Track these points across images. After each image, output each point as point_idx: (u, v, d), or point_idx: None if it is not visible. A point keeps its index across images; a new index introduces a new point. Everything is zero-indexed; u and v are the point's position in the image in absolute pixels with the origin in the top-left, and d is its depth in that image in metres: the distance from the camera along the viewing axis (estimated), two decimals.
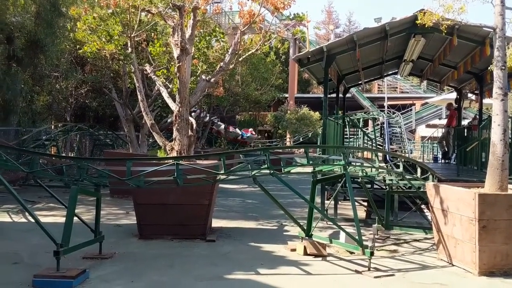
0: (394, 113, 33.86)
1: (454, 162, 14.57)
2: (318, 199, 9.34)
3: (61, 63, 16.08)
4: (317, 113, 26.43)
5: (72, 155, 18.47)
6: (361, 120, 23.15)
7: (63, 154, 16.81)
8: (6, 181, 6.23)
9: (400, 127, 24.00)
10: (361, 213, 10.20)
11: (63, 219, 6.17)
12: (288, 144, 26.53)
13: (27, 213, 7.95)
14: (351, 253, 7.13)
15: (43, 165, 13.37)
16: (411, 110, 34.65)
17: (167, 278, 5.93)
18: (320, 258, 7.00)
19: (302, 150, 10.89)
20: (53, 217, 9.52)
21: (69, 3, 14.46)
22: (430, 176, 8.84)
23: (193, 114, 9.64)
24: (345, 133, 15.37)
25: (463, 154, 12.82)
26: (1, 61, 13.36)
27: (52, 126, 19.84)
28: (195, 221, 8.02)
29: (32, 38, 14.14)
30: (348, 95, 18.78)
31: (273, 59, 24.55)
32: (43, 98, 18.24)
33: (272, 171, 6.96)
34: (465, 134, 14.49)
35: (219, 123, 26.70)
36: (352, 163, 8.12)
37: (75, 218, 6.23)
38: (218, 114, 23.96)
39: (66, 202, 6.30)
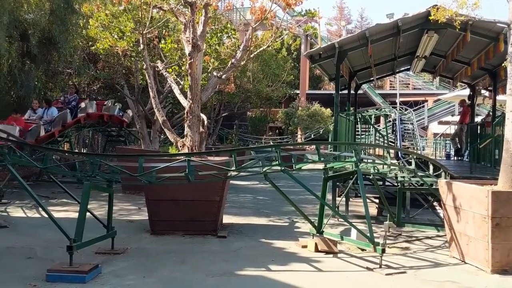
0: (406, 109, 33.63)
1: (467, 159, 14.45)
2: (329, 196, 9.32)
3: (74, 60, 16.20)
4: (328, 109, 26.29)
5: (84, 151, 18.63)
6: (372, 116, 23.02)
7: (76, 150, 16.96)
8: (20, 176, 6.31)
9: (412, 123, 23.85)
10: (373, 210, 10.17)
11: (76, 215, 6.23)
12: (299, 140, 26.48)
13: (40, 209, 8.03)
14: (363, 250, 7.11)
15: (56, 161, 13.55)
16: (423, 106, 34.38)
17: (179, 273, 5.97)
18: (331, 255, 6.99)
19: (313, 146, 10.90)
20: (66, 212, 9.62)
21: (82, 0, 14.56)
22: (443, 173, 8.78)
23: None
24: (356, 129, 15.29)
25: (476, 151, 12.70)
26: (16, 58, 13.49)
27: None
28: (206, 217, 8.05)
29: (46, 35, 14.26)
30: (359, 91, 18.70)
31: (285, 56, 24.47)
32: (56, 95, 18.40)
33: (283, 168, 6.96)
34: (478, 131, 14.35)
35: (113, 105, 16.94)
36: (363, 160, 8.09)
37: (88, 214, 6.29)
38: (229, 110, 23.97)
39: (79, 198, 6.37)
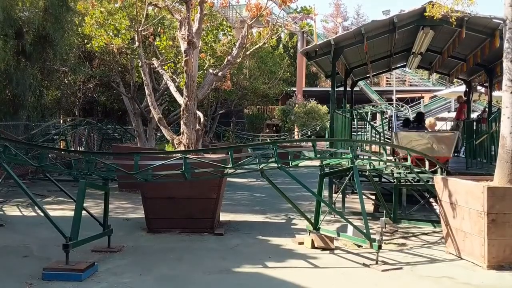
0: (402, 106, 33.69)
1: (463, 155, 14.47)
2: (325, 193, 9.33)
3: (69, 57, 16.13)
4: (325, 106, 26.29)
5: (80, 149, 18.59)
6: (369, 113, 23.04)
7: (72, 148, 16.92)
8: (15, 175, 6.29)
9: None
10: (369, 207, 10.17)
11: (72, 213, 6.22)
12: (296, 137, 26.45)
13: (36, 207, 8.01)
14: (359, 246, 7.12)
15: (52, 159, 13.51)
16: (419, 103, 34.43)
17: (176, 271, 5.96)
18: (328, 252, 7.00)
19: (310, 143, 10.91)
20: (62, 210, 9.60)
21: None
22: (439, 169, 8.80)
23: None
24: (353, 126, 15.29)
25: (472, 147, 12.72)
26: (11, 56, 13.42)
27: (61, 121, 19.96)
28: (203, 214, 8.04)
29: (40, 33, 14.20)
30: (356, 88, 18.69)
31: (281, 53, 24.45)
32: (52, 93, 18.34)
33: (279, 165, 6.95)
34: (475, 127, 14.37)
35: None
36: (359, 157, 8.09)
37: (84, 212, 6.28)
38: (226, 107, 23.93)
39: (75, 196, 6.35)
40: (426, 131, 10.40)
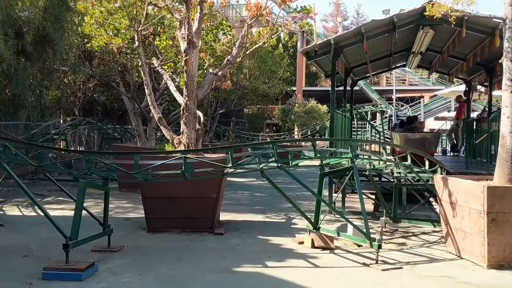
0: (402, 105, 33.69)
1: (463, 155, 14.46)
2: (325, 192, 9.34)
3: (69, 57, 16.14)
4: (324, 106, 26.30)
5: (80, 149, 18.59)
6: (369, 113, 23.04)
7: (72, 148, 16.92)
8: (15, 175, 6.29)
9: None
10: (369, 206, 10.18)
11: (72, 213, 6.22)
12: (296, 137, 26.45)
13: (36, 207, 8.02)
14: (359, 246, 7.12)
15: (52, 159, 13.51)
16: (419, 102, 34.43)
17: (176, 271, 5.96)
18: (328, 251, 7.00)
19: (310, 143, 10.98)
20: (62, 210, 9.60)
21: None
22: (439, 169, 8.80)
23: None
24: (352, 126, 15.29)
25: (472, 146, 12.72)
26: (11, 56, 13.42)
27: (61, 120, 19.95)
28: (203, 214, 8.04)
29: (40, 33, 14.21)
30: (356, 88, 18.69)
31: (281, 52, 24.44)
32: (52, 93, 18.34)
33: (279, 164, 6.95)
34: (474, 127, 14.37)
35: None
36: (359, 156, 8.10)
37: (84, 212, 6.28)
38: (226, 107, 23.94)
39: (75, 196, 6.35)
40: (417, 131, 12.76)
